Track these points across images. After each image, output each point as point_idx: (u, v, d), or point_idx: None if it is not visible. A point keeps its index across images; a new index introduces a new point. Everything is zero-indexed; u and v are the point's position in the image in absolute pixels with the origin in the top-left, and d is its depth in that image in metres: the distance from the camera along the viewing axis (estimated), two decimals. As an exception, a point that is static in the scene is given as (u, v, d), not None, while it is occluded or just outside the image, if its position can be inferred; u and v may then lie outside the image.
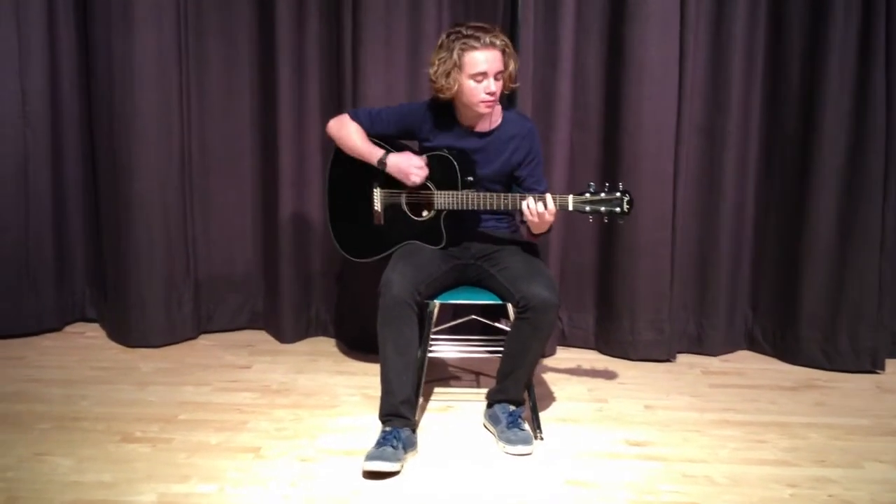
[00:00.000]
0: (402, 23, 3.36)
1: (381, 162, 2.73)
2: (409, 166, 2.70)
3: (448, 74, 2.59)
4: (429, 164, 2.71)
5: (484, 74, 2.57)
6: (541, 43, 3.40)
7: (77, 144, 3.75)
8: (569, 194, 2.54)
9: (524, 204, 2.54)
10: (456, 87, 2.61)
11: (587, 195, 2.53)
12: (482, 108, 2.62)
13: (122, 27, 3.39)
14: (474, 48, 2.56)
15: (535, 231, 2.63)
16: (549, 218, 2.54)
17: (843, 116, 3.30)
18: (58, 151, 3.70)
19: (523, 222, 2.64)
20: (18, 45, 3.52)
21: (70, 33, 3.65)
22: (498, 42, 2.58)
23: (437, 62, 2.61)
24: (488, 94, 2.59)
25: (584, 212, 2.54)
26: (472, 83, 2.59)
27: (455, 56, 2.57)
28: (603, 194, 2.52)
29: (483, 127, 2.74)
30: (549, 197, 2.52)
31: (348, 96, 3.43)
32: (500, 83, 2.62)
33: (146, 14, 3.38)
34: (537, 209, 2.52)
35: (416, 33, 3.37)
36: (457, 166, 2.66)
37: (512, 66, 2.64)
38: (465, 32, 2.58)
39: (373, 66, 3.37)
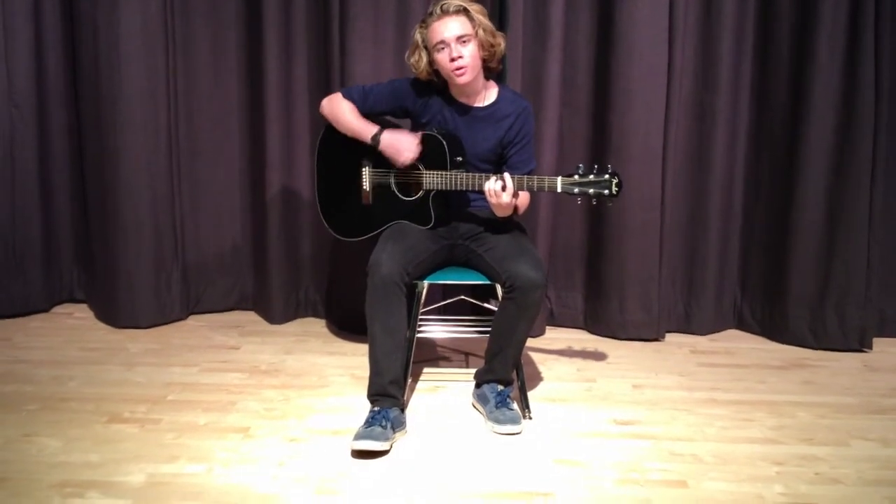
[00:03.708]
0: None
1: (375, 139, 2.72)
2: (402, 145, 2.68)
3: (413, 53, 2.67)
4: (421, 143, 2.70)
5: (443, 42, 2.57)
6: (530, 21, 3.38)
7: (63, 124, 3.72)
8: (557, 176, 2.52)
9: (486, 185, 2.53)
10: (423, 65, 2.66)
11: (576, 177, 2.50)
12: (457, 77, 2.60)
13: (108, 4, 3.35)
14: (429, 23, 2.61)
15: (498, 213, 2.61)
16: (507, 199, 2.51)
17: (833, 96, 3.29)
18: (44, 131, 3.67)
19: None
20: (3, 24, 3.48)
21: (55, 11, 3.61)
22: (451, 8, 2.57)
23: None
24: (452, 59, 2.57)
25: (573, 193, 2.51)
26: (438, 55, 2.60)
27: (418, 36, 2.66)
28: (591, 176, 2.50)
29: (477, 103, 2.72)
30: (507, 176, 2.50)
31: (336, 75, 3.40)
32: (472, 47, 2.59)
33: (131, -9, 3.35)
34: (494, 188, 2.51)
35: (404, 10, 3.34)
36: (445, 146, 2.63)
37: (482, 31, 2.60)
38: (427, 11, 2.64)
39: (360, 44, 3.34)
